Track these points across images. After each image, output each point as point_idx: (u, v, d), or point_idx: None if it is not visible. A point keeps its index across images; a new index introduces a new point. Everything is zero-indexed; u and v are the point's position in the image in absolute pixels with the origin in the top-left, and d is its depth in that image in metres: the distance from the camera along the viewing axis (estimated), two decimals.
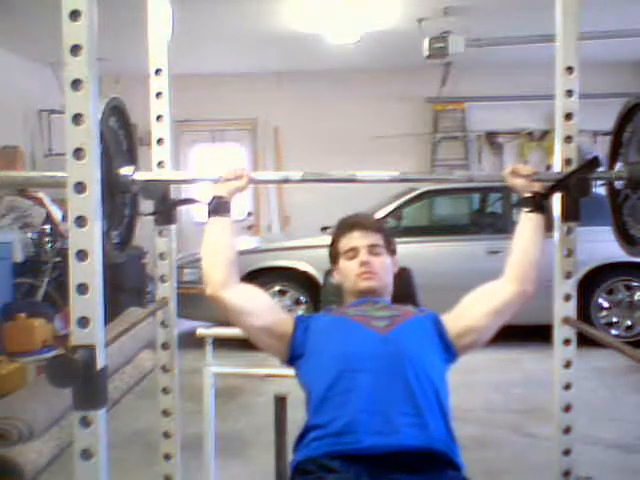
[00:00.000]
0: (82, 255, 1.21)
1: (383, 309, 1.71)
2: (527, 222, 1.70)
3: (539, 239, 1.68)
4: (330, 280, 2.01)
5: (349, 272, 1.79)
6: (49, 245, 5.73)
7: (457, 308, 1.70)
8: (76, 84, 1.20)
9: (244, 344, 1.82)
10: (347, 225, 1.85)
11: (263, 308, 1.67)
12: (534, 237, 1.67)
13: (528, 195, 1.70)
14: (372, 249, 1.79)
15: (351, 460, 1.42)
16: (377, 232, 1.83)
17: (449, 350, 1.64)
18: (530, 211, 1.69)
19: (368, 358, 1.55)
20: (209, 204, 1.71)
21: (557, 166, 1.81)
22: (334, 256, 1.86)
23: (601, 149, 6.44)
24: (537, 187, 1.70)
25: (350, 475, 1.40)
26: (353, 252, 1.79)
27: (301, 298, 5.27)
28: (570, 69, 1.77)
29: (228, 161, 8.07)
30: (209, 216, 1.70)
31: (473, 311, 1.66)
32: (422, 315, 1.70)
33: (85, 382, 1.20)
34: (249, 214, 8.09)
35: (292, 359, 1.67)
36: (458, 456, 1.50)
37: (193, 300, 4.80)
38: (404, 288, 1.95)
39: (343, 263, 1.82)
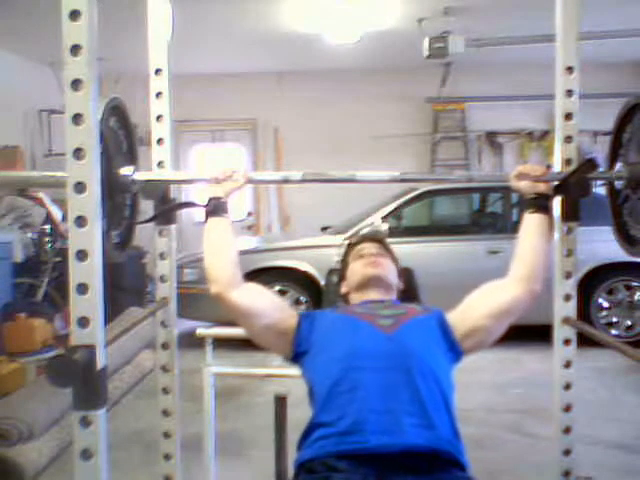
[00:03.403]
0: (82, 255, 1.21)
1: (389, 308, 1.71)
2: (532, 222, 1.68)
3: (546, 239, 1.68)
4: (332, 280, 2.02)
5: (356, 269, 1.86)
6: (49, 245, 5.73)
7: (463, 306, 1.69)
8: (76, 84, 1.19)
9: (244, 344, 1.82)
10: (357, 240, 2.01)
11: (268, 307, 1.67)
12: (541, 238, 1.66)
13: (532, 196, 1.69)
14: (379, 251, 1.89)
15: (358, 460, 1.41)
16: (384, 246, 1.95)
17: (454, 349, 1.64)
18: (534, 212, 1.68)
19: (373, 357, 1.55)
20: (206, 206, 1.71)
21: (557, 166, 1.81)
22: (343, 269, 1.95)
23: (601, 149, 6.44)
24: (542, 188, 1.69)
25: (357, 475, 1.39)
26: (361, 255, 1.88)
27: (301, 298, 5.27)
28: (570, 69, 1.77)
29: (228, 161, 8.07)
30: (207, 218, 1.70)
31: (480, 311, 1.64)
32: (427, 314, 1.70)
33: (85, 382, 1.20)
34: (249, 214, 8.09)
35: (297, 356, 1.67)
36: (463, 455, 1.50)
37: (193, 300, 4.82)
38: (406, 288, 1.97)
39: (351, 266, 1.89)
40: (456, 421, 1.53)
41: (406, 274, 2.00)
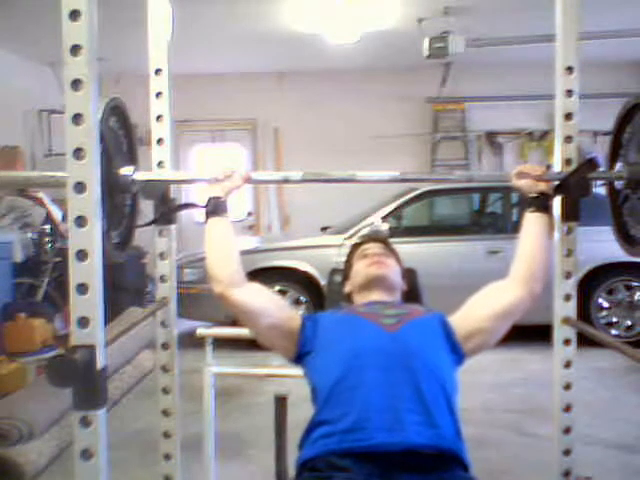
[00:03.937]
0: (82, 255, 1.21)
1: (392, 308, 1.72)
2: (533, 222, 1.69)
3: (546, 238, 1.68)
4: (335, 279, 2.03)
5: (360, 269, 1.86)
6: (49, 245, 5.73)
7: (464, 309, 1.69)
8: (76, 84, 1.19)
9: (244, 344, 1.82)
10: (361, 240, 2.04)
11: (272, 306, 1.67)
12: (541, 237, 1.67)
13: (533, 195, 1.70)
14: (383, 251, 1.90)
15: (361, 458, 1.41)
16: (388, 246, 1.96)
17: (456, 351, 1.64)
18: (534, 211, 1.69)
19: (376, 354, 1.55)
20: (206, 206, 1.71)
21: (557, 166, 1.81)
22: (347, 269, 1.95)
23: (601, 149, 6.45)
24: (543, 187, 1.70)
25: (361, 474, 1.39)
26: (365, 255, 1.89)
27: (301, 298, 5.27)
28: (570, 69, 1.77)
29: (227, 161, 8.07)
30: (207, 217, 1.70)
31: (481, 312, 1.65)
32: (430, 315, 1.71)
33: (85, 382, 1.20)
34: (249, 214, 8.09)
35: (300, 356, 1.67)
36: (465, 454, 1.50)
37: (193, 300, 4.82)
38: (410, 289, 1.97)
39: (355, 266, 1.89)
40: (459, 421, 1.53)
41: (409, 275, 2.01)
